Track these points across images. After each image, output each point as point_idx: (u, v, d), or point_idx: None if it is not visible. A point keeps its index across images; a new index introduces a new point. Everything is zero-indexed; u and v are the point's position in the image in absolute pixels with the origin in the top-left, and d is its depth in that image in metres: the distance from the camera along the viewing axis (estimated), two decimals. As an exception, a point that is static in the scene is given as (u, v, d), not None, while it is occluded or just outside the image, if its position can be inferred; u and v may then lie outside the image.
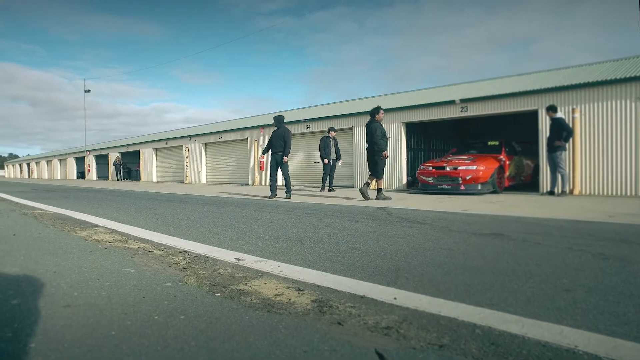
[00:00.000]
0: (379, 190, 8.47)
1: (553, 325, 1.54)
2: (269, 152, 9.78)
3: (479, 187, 9.61)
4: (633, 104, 9.40)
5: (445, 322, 1.59)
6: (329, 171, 12.16)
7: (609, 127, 9.80)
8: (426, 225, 4.47)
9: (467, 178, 9.64)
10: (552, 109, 9.67)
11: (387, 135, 9.40)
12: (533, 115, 11.21)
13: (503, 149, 11.30)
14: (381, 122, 8.83)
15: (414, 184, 12.77)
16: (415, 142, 15.02)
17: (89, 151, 37.98)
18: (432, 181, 10.24)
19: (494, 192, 10.00)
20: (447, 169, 10.08)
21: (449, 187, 9.88)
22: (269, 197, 9.17)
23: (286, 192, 9.35)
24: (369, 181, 8.67)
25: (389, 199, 8.37)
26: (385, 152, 8.49)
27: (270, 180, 9.54)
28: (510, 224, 4.55)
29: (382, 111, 8.91)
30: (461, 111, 12.33)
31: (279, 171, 9.83)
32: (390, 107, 14.54)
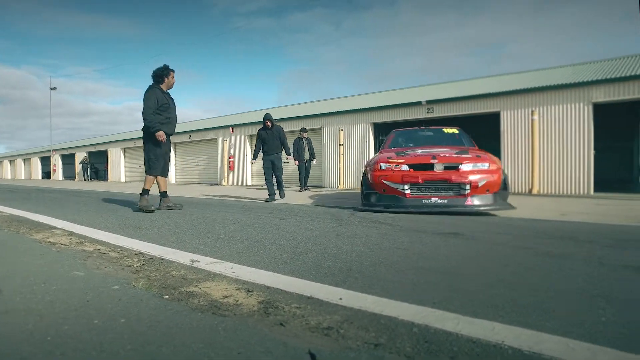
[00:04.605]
0: (146, 193, 6.12)
1: (487, 322, 1.59)
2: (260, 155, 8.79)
3: (491, 199, 5.64)
4: (586, 108, 9.76)
5: (385, 322, 1.62)
6: (303, 171, 12.27)
7: (565, 129, 10.15)
8: (387, 225, 4.53)
9: (480, 185, 5.59)
10: None
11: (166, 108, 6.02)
12: (496, 116, 11.51)
13: (472, 140, 7.68)
14: (166, 92, 6.10)
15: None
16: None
17: (55, 150, 36.94)
18: (409, 191, 5.78)
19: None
20: (437, 168, 5.83)
21: (446, 200, 5.62)
22: (268, 200, 8.37)
23: (279, 190, 8.70)
24: (147, 188, 6.17)
25: (174, 207, 6.30)
26: (160, 132, 5.89)
27: (267, 183, 8.65)
28: (468, 223, 4.65)
29: (172, 72, 6.13)
30: (427, 112, 12.56)
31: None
32: (359, 107, 14.70)
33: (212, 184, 19.53)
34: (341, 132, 14.34)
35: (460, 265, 2.60)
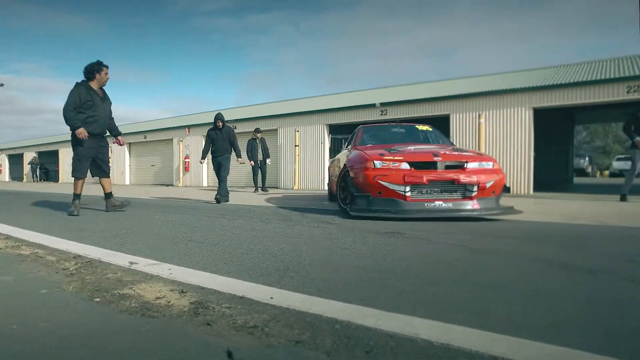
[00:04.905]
0: (76, 198, 5.78)
1: (406, 317, 1.65)
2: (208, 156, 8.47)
3: (495, 202, 5.22)
4: (527, 112, 10.20)
5: (310, 319, 1.65)
6: (257, 172, 12.20)
7: (508, 132, 10.58)
8: (334, 225, 4.58)
9: (488, 186, 5.03)
10: None
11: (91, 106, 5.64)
12: (446, 119, 11.84)
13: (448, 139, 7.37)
14: (98, 89, 5.80)
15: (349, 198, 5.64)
16: (340, 144, 15.34)
17: (1, 150, 35.19)
18: (410, 193, 4.95)
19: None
20: (439, 167, 5.11)
21: (451, 204, 4.97)
22: (220, 202, 7.96)
23: (221, 196, 8.03)
24: (76, 192, 5.83)
25: (122, 206, 6.22)
26: (80, 129, 5.50)
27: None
28: (412, 223, 4.75)
29: (105, 68, 5.79)
30: (381, 114, 12.79)
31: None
32: (315, 109, 14.77)
33: (168, 185, 19.15)
34: (297, 133, 14.38)
35: (394, 263, 2.67)
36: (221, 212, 6.05)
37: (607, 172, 33.74)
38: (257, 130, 12.42)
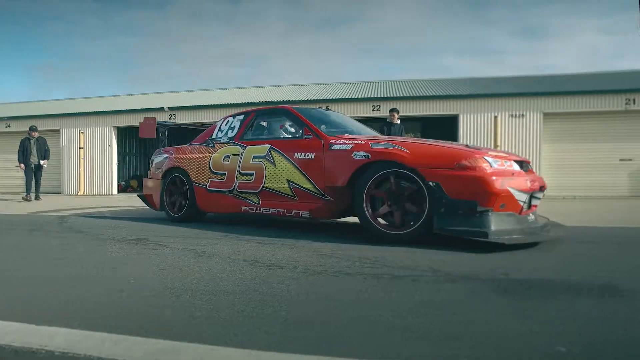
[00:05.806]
0: None
1: (52, 329, 1.57)
2: None
3: None
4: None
5: None
6: (31, 176, 10.36)
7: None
8: (83, 233, 4.27)
9: None
10: (396, 112, 7.87)
11: None
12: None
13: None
14: None
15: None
16: (129, 147, 14.45)
17: None
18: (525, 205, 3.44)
19: None
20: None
21: (534, 217, 3.76)
22: None
23: None
24: None
25: None
26: None
27: None
28: (165, 229, 4.69)
29: None
30: (170, 118, 12.45)
31: None
32: (102, 110, 13.64)
33: None
34: (82, 134, 13.06)
35: (97, 272, 2.58)
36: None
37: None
38: (32, 129, 10.60)
